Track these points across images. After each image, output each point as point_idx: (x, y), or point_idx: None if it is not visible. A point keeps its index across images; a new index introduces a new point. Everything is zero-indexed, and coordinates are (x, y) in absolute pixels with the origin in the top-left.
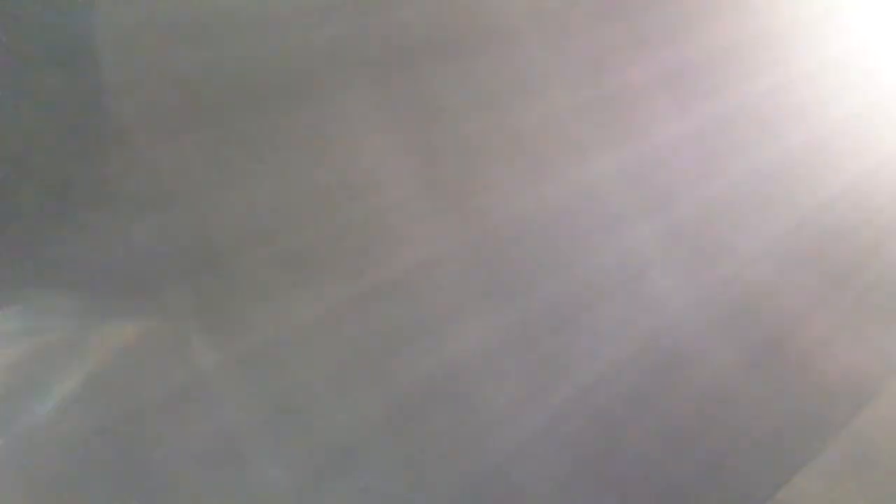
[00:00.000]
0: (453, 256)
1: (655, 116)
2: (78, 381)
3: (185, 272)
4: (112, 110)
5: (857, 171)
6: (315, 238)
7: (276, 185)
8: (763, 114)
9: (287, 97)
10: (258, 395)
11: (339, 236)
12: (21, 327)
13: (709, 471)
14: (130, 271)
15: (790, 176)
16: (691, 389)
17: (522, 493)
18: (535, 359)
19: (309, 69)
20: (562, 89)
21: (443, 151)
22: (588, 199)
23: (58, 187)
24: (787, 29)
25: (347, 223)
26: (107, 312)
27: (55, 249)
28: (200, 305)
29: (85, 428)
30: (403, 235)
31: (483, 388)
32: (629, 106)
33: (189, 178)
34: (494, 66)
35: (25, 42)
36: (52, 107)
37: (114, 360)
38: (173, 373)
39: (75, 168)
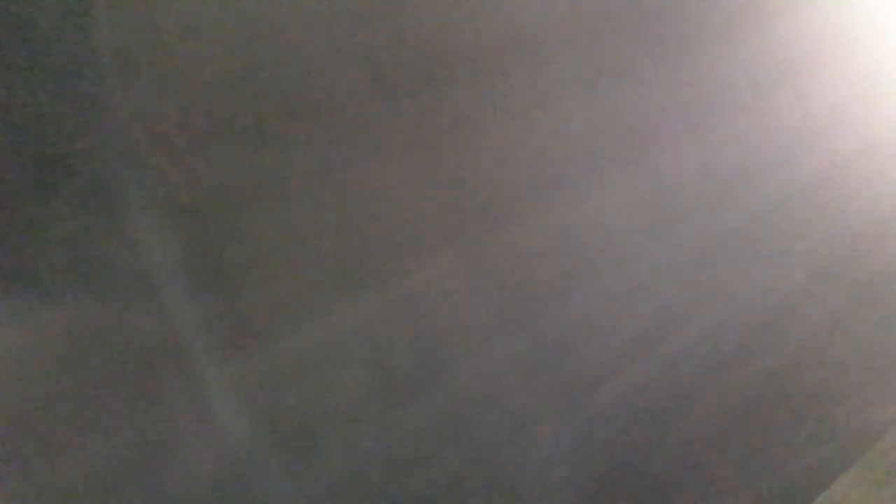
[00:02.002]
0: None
1: (673, 125)
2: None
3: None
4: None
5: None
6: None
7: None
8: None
9: (295, 104)
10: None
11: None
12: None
13: (747, 475)
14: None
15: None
16: (730, 394)
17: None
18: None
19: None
20: (579, 97)
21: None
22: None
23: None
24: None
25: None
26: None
27: (68, 251)
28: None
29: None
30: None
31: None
32: (645, 125)
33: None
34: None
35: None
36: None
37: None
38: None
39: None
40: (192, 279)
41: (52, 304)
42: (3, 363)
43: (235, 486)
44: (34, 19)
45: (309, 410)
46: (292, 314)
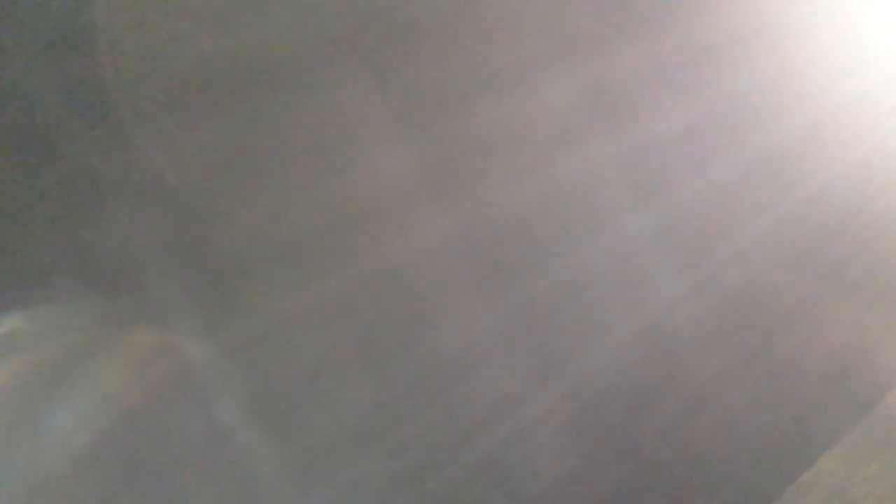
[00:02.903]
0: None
1: (650, 108)
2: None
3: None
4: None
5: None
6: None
7: (276, 178)
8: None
9: (283, 86)
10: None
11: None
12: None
13: (734, 453)
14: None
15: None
16: (714, 372)
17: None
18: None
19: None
20: (556, 80)
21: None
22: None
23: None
24: (781, 20)
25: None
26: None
27: (60, 245)
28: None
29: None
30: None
31: (477, 382)
32: (624, 97)
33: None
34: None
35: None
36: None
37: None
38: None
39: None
40: (179, 261)
41: (35, 286)
42: None
43: (222, 459)
44: (21, 1)
45: (295, 387)
46: (279, 293)
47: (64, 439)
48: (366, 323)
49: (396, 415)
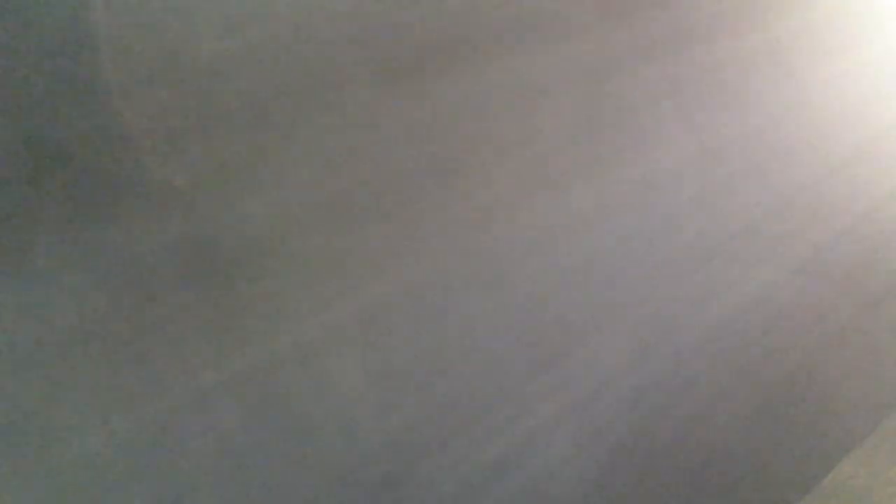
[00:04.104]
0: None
1: (671, 127)
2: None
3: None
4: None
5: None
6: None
7: (281, 187)
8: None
9: (291, 97)
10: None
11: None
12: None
13: (754, 457)
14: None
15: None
16: (732, 375)
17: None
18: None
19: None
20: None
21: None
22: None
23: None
24: (802, 39)
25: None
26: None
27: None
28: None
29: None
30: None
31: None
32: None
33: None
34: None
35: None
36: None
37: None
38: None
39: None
40: (188, 264)
41: (45, 288)
42: None
43: (233, 475)
44: (28, 1)
45: (307, 399)
46: (288, 300)
47: (67, 441)
48: (380, 330)
49: (398, 412)
